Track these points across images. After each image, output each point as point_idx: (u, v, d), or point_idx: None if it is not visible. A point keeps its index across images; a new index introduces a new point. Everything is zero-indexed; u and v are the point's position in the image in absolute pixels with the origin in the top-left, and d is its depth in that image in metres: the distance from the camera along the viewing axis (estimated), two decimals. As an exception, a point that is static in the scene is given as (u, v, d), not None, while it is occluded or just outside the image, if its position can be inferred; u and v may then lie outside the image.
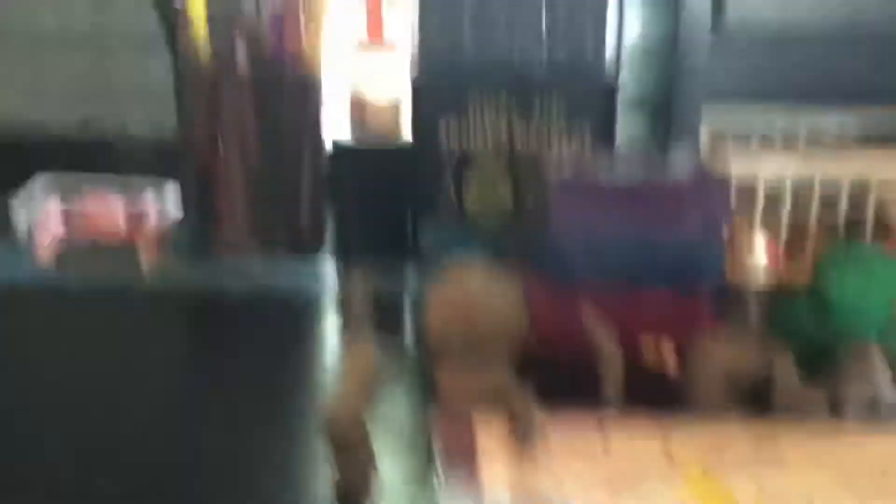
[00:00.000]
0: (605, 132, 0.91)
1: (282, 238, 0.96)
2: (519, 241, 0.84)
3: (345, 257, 0.95)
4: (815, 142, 0.89)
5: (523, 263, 0.74)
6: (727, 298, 0.74)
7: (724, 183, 0.76)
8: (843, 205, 0.85)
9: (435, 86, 0.91)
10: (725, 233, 0.73)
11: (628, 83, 0.92)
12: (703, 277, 0.74)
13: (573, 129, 0.90)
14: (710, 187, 0.73)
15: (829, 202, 0.86)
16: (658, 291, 0.72)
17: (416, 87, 0.91)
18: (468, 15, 0.89)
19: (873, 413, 0.71)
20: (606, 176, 0.72)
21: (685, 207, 0.71)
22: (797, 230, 0.87)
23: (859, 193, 0.85)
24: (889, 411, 0.71)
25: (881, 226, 0.84)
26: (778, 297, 0.76)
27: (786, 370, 0.64)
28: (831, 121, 0.91)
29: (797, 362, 0.68)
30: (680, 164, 0.81)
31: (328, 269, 0.94)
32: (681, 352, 0.69)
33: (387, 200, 0.94)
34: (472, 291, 0.67)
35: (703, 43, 0.79)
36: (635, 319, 0.72)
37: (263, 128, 0.93)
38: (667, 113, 0.85)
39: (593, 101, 0.90)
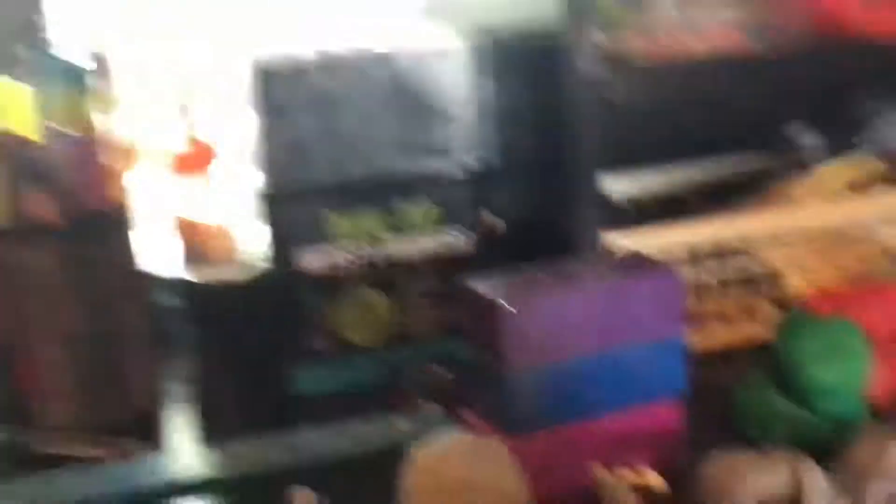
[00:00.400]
0: (473, 221, 0.80)
1: (115, 421, 0.74)
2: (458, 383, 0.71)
3: (208, 426, 0.76)
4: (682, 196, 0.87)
5: (476, 412, 0.62)
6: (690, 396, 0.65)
7: (665, 266, 0.67)
8: (742, 261, 0.82)
9: (286, 202, 0.76)
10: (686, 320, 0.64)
11: (502, 157, 0.81)
12: (671, 377, 0.65)
13: (444, 225, 0.79)
14: (656, 274, 0.63)
15: (720, 261, 0.82)
16: (631, 408, 0.63)
17: (266, 205, 0.76)
18: (316, 121, 0.75)
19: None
20: (547, 288, 0.60)
21: (642, 302, 0.61)
22: (694, 293, 0.82)
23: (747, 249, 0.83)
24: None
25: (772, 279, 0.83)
26: (741, 389, 0.69)
27: (817, 488, 0.54)
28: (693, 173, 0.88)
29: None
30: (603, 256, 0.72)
31: (183, 454, 0.73)
32: (669, 471, 0.60)
33: (250, 343, 0.77)
34: (459, 473, 0.53)
35: (591, 113, 0.71)
36: (618, 447, 0.62)
37: (78, 290, 0.73)
38: (555, 184, 0.76)
39: (461, 192, 0.79)
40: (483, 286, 0.61)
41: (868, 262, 0.87)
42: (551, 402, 0.60)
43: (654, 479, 0.60)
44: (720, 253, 0.82)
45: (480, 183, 0.80)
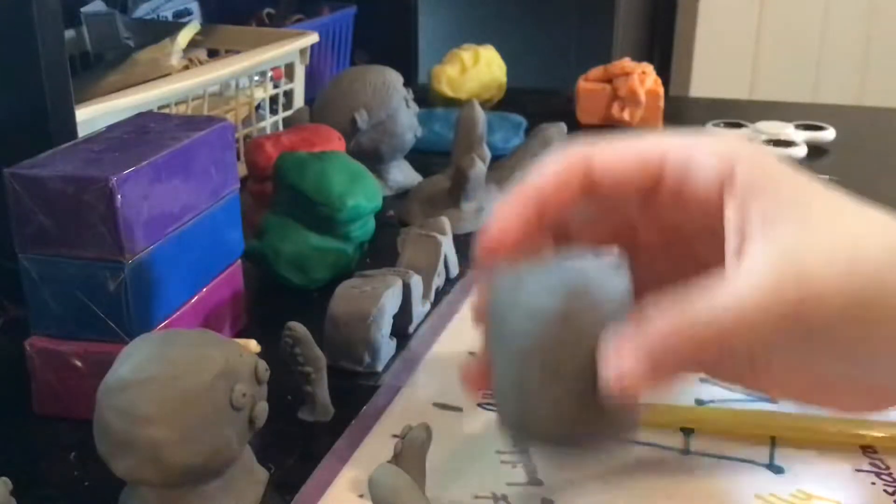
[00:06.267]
0: None
1: None
2: None
3: None
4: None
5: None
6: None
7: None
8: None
9: None
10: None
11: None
12: (235, 236, 0.61)
13: None
14: (209, 125, 0.55)
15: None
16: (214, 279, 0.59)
17: None
18: None
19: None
20: (124, 158, 0.49)
21: (204, 161, 0.55)
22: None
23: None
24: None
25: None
26: (272, 242, 0.67)
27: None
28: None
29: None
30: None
31: None
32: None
33: None
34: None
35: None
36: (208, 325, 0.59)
37: None
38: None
39: None
40: (48, 169, 0.47)
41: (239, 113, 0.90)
42: (158, 293, 0.51)
43: (254, 346, 0.56)
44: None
45: None
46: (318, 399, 0.52)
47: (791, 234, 0.37)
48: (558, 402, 0.37)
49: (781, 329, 0.36)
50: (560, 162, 0.41)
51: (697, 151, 0.40)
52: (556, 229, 0.43)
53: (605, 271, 0.38)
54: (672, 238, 0.43)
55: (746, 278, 0.36)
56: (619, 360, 0.36)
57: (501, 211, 0.42)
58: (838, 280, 0.35)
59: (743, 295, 0.36)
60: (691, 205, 0.40)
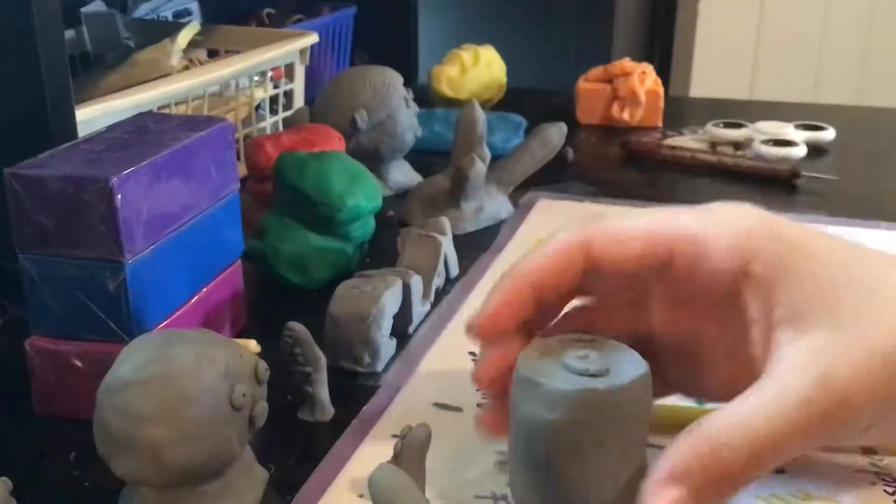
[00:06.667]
0: None
1: None
2: None
3: None
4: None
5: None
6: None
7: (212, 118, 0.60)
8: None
9: None
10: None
11: None
12: (235, 236, 0.61)
13: None
14: (209, 126, 0.55)
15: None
16: (214, 279, 0.59)
17: None
18: None
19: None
20: (123, 158, 0.49)
21: (204, 161, 0.54)
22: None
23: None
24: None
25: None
26: (271, 242, 0.67)
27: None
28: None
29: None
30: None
31: None
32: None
33: None
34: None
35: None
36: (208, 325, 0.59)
37: None
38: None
39: None
40: (48, 169, 0.47)
41: (239, 113, 0.91)
42: (158, 293, 0.51)
43: (254, 346, 0.56)
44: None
45: None
46: (318, 399, 0.52)
47: (821, 338, 0.37)
48: None
49: (813, 438, 0.37)
50: (560, 246, 0.41)
51: (709, 244, 0.40)
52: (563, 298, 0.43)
53: (622, 358, 0.39)
54: (683, 300, 0.43)
55: (779, 387, 0.37)
56: (657, 498, 0.36)
57: (495, 295, 0.42)
58: (871, 389, 0.36)
59: (777, 409, 0.36)
60: (702, 287, 0.40)
